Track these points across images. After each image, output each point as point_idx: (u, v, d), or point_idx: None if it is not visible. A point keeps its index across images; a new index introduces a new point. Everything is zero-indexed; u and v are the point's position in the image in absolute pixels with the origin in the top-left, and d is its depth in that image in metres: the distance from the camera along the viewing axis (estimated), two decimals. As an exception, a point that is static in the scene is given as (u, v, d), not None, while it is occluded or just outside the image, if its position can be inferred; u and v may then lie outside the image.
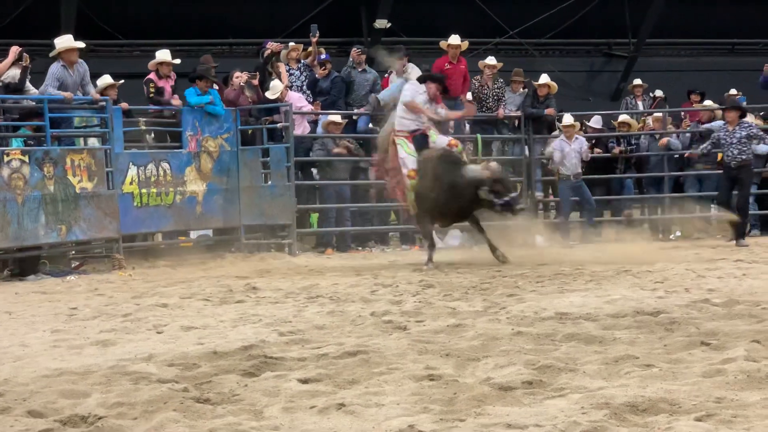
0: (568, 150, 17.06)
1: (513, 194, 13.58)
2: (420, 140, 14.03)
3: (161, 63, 16.09)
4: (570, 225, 17.48)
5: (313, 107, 17.30)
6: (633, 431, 4.69)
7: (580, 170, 17.11)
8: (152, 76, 16.08)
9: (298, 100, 16.95)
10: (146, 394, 5.72)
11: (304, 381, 6.08)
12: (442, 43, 17.82)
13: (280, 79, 16.95)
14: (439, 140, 14.06)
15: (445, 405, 5.35)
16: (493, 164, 13.91)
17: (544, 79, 18.44)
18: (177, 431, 4.97)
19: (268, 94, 16.73)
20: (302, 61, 17.65)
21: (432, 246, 14.27)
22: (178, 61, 16.45)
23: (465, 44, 17.87)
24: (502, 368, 6.18)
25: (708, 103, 19.48)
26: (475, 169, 13.62)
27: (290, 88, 17.08)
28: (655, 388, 5.41)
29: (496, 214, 14.23)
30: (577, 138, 17.16)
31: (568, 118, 17.45)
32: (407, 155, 13.91)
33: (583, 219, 17.70)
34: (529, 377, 5.87)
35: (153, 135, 16.01)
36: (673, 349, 6.65)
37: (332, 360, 6.75)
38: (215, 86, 16.25)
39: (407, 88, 14.21)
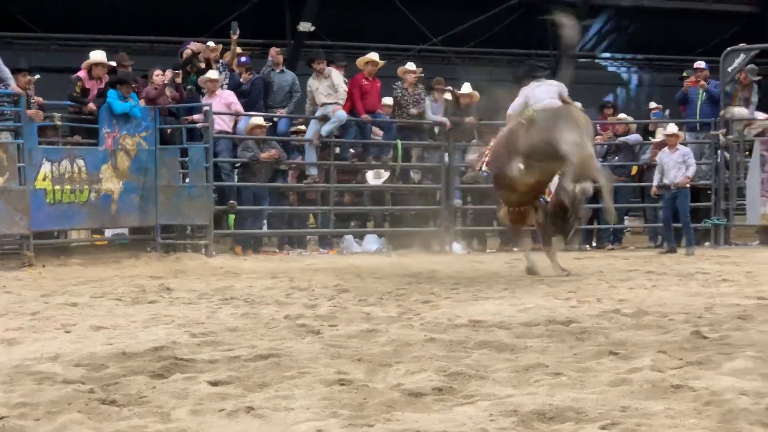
0: (667, 160, 17.18)
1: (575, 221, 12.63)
2: None
3: (95, 64, 15.88)
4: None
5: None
6: (539, 439, 4.72)
7: (680, 180, 17.15)
8: (82, 74, 15.87)
9: (230, 96, 16.86)
10: (50, 394, 5.62)
11: (214, 383, 6.01)
12: (359, 61, 17.86)
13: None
14: None
15: (355, 410, 5.33)
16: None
17: (467, 88, 18.57)
18: (80, 433, 4.90)
19: (205, 77, 16.63)
20: (221, 61, 17.53)
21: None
22: (113, 63, 16.27)
23: (382, 62, 17.98)
24: (413, 374, 6.18)
25: (622, 116, 19.78)
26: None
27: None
28: (563, 396, 5.44)
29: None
30: (678, 148, 17.28)
31: (672, 128, 17.56)
32: None
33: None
34: (439, 384, 5.88)
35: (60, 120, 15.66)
36: (582, 358, 6.70)
37: (243, 363, 6.69)
38: (135, 88, 16.09)
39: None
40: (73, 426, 5.00)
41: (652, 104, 20.66)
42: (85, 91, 15.68)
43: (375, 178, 18.27)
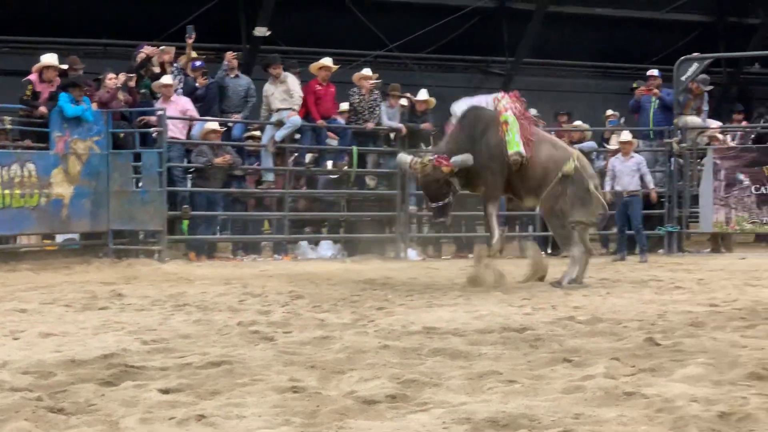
0: (620, 168, 17.20)
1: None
2: None
3: (46, 67, 15.72)
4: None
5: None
6: (492, 447, 4.70)
7: (633, 188, 17.20)
8: (33, 78, 15.70)
9: (187, 103, 16.77)
10: (-3, 402, 5.54)
11: (165, 391, 5.95)
12: (313, 66, 17.83)
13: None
14: None
15: (307, 417, 5.29)
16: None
17: (423, 95, 18.59)
18: (27, 441, 4.82)
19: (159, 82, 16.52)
20: (175, 64, 17.42)
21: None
22: (64, 66, 16.11)
23: (335, 67, 17.96)
24: (367, 381, 6.15)
25: (578, 123, 19.88)
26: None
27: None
28: (517, 403, 5.43)
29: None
30: (633, 156, 17.32)
31: (626, 135, 17.62)
32: None
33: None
34: (393, 391, 5.85)
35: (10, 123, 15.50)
36: (536, 365, 6.70)
37: (195, 370, 6.63)
38: (87, 91, 15.94)
39: None
40: (21, 434, 4.92)
41: (609, 112, 20.76)
42: (35, 95, 15.51)
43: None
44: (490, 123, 12.52)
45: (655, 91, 18.95)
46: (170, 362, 6.91)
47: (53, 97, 15.46)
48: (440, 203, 12.24)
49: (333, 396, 5.79)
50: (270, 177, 17.61)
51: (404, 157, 12.77)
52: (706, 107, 19.31)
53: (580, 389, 5.77)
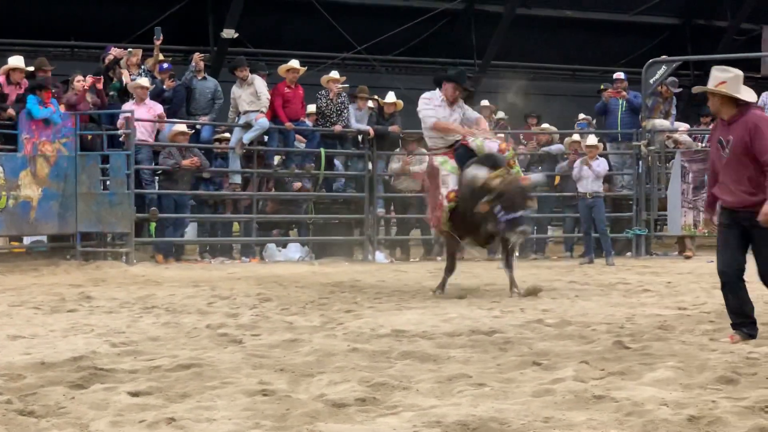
0: (585, 170, 17.25)
1: (516, 214, 11.48)
2: (463, 153, 12.13)
3: (13, 69, 15.64)
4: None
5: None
6: (460, 450, 4.72)
7: (597, 189, 17.25)
8: (1, 80, 15.62)
9: (159, 108, 16.72)
10: (-34, 405, 5.51)
11: (135, 394, 5.94)
12: (281, 69, 17.81)
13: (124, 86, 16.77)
14: (486, 146, 12.07)
15: (277, 421, 5.30)
16: (521, 177, 12.29)
17: (391, 97, 18.59)
18: (-3, 445, 4.80)
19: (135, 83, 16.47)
20: (143, 66, 17.35)
21: (449, 270, 12.26)
22: (31, 68, 16.02)
23: (303, 69, 17.93)
24: (336, 385, 6.16)
25: (545, 126, 19.95)
26: (484, 176, 11.60)
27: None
28: (486, 407, 5.46)
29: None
30: (597, 158, 17.37)
31: (592, 139, 17.67)
32: (448, 173, 12.04)
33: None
34: (362, 394, 5.86)
35: None
36: (505, 368, 6.73)
37: (165, 372, 6.63)
38: (55, 93, 15.86)
39: (422, 108, 12.31)
40: (-10, 438, 4.90)
41: (581, 116, 20.81)
42: (3, 96, 15.42)
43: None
44: None
45: (623, 93, 19.04)
46: (139, 365, 6.91)
47: (21, 99, 15.37)
48: (519, 213, 11.78)
49: (303, 399, 5.80)
50: (237, 179, 17.57)
51: (478, 171, 11.76)
52: (674, 110, 19.41)
53: (549, 392, 5.80)
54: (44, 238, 16.52)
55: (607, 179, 18.46)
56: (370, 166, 18.24)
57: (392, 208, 19.12)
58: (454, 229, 12.10)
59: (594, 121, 20.16)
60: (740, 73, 8.00)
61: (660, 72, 18.80)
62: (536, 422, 5.13)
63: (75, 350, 7.45)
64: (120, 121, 16.39)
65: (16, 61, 15.76)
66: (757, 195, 7.65)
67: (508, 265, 12.09)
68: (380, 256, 17.96)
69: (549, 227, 20.45)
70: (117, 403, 5.68)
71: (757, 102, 8.79)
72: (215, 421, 5.28)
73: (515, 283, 11.90)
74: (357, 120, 18.25)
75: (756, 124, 7.76)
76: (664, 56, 19.43)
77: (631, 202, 18.81)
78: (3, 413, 5.34)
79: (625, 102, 19.00)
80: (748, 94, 7.95)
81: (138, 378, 6.44)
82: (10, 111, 15.30)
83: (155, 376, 6.49)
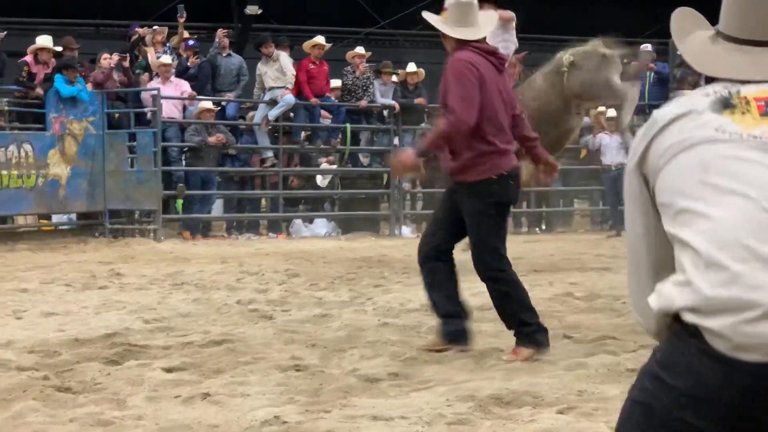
0: (608, 141, 17.23)
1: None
2: None
3: (41, 49, 15.70)
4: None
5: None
6: (497, 423, 4.73)
7: (621, 161, 17.22)
8: (29, 59, 15.68)
9: (186, 85, 16.76)
10: (4, 381, 5.57)
11: (169, 370, 6.00)
12: (306, 44, 17.80)
13: (150, 64, 16.81)
14: None
15: (311, 396, 5.34)
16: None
17: (412, 67, 18.55)
18: (37, 420, 4.84)
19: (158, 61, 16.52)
20: (168, 44, 17.40)
21: None
22: (59, 48, 16.08)
23: (328, 45, 17.92)
24: (368, 360, 6.20)
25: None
26: None
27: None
28: (519, 381, 5.48)
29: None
30: None
31: (612, 112, 17.63)
32: None
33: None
34: (394, 369, 5.90)
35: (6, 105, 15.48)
36: (536, 342, 6.73)
37: (197, 348, 6.68)
38: (82, 72, 15.93)
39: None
40: (30, 413, 4.95)
41: None
42: (31, 76, 15.50)
43: None
44: None
45: (651, 65, 18.91)
46: (172, 341, 6.97)
47: (49, 79, 15.44)
48: None
49: (335, 374, 5.84)
50: (269, 154, 17.62)
51: None
52: (702, 82, 19.22)
53: (582, 366, 5.81)
54: (73, 216, 16.61)
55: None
56: (396, 140, 18.24)
57: (418, 182, 19.11)
58: None
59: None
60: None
61: (688, 42, 18.60)
62: (570, 395, 5.14)
63: (108, 327, 7.52)
64: (144, 96, 16.44)
65: (44, 40, 15.83)
66: None
67: None
68: (406, 230, 17.98)
69: (575, 200, 20.41)
70: (152, 378, 5.73)
71: (484, 39, 6.56)
72: (249, 396, 5.32)
73: None
74: (382, 95, 18.24)
75: (445, 71, 6.34)
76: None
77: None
78: (41, 389, 5.41)
79: (652, 74, 18.87)
80: (468, 31, 6.34)
81: (171, 354, 6.50)
82: (39, 90, 15.38)
83: (188, 352, 6.54)
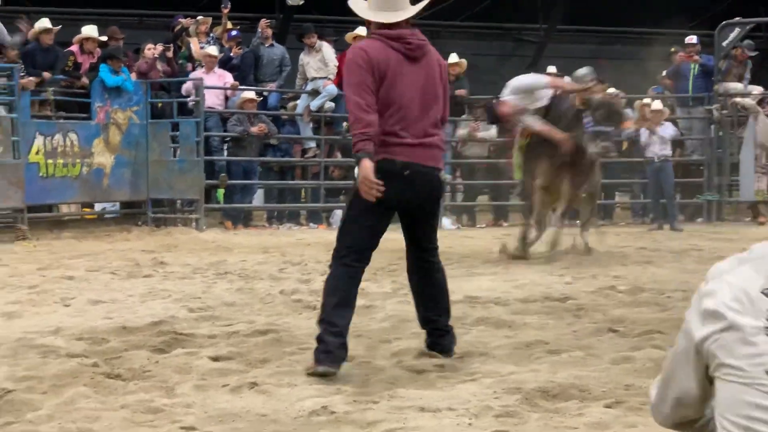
0: (651, 135, 17.19)
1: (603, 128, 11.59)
2: None
3: (86, 39, 15.83)
4: None
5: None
6: (544, 417, 4.74)
7: (665, 153, 17.17)
8: (75, 49, 15.81)
9: (229, 76, 16.83)
10: (55, 368, 5.64)
11: (215, 359, 6.04)
12: (348, 36, 17.79)
13: (192, 54, 16.89)
14: None
15: (358, 386, 5.36)
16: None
17: (454, 58, 18.49)
18: (88, 407, 4.90)
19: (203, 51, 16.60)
20: (212, 34, 17.47)
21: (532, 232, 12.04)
22: (104, 38, 16.20)
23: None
24: (414, 351, 6.20)
25: (611, 90, 19.66)
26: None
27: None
28: (566, 374, 5.47)
29: None
30: (663, 123, 17.28)
31: (657, 104, 17.54)
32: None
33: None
34: (441, 360, 5.91)
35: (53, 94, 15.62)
36: (581, 335, 6.73)
37: (243, 338, 6.72)
38: (126, 62, 16.04)
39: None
40: (81, 399, 5.01)
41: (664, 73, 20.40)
42: (77, 66, 15.62)
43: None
44: None
45: (696, 57, 18.71)
46: (218, 330, 7.02)
47: (94, 68, 15.56)
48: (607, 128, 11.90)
49: (382, 365, 5.85)
50: (312, 144, 17.65)
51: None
52: (748, 74, 19.02)
53: (628, 360, 5.80)
54: (116, 205, 16.74)
55: (679, 144, 18.28)
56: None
57: (458, 174, 19.07)
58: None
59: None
60: None
61: (733, 35, 18.40)
62: (617, 390, 5.14)
63: (154, 315, 7.58)
64: (186, 86, 16.52)
65: (89, 30, 15.93)
66: None
67: (585, 228, 12.24)
68: (447, 222, 17.94)
69: (617, 193, 20.29)
70: (199, 367, 5.78)
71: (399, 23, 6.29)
72: (296, 386, 5.35)
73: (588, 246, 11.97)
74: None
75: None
76: (737, 18, 19.01)
77: (702, 168, 18.57)
78: (91, 376, 5.47)
79: (697, 66, 18.68)
80: (385, 15, 6.09)
81: (218, 343, 6.54)
82: (84, 80, 15.50)
83: (234, 342, 6.59)
